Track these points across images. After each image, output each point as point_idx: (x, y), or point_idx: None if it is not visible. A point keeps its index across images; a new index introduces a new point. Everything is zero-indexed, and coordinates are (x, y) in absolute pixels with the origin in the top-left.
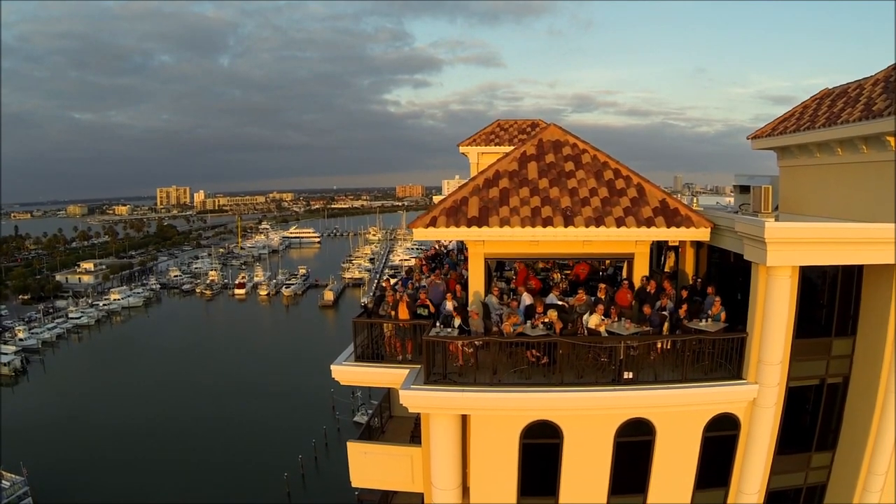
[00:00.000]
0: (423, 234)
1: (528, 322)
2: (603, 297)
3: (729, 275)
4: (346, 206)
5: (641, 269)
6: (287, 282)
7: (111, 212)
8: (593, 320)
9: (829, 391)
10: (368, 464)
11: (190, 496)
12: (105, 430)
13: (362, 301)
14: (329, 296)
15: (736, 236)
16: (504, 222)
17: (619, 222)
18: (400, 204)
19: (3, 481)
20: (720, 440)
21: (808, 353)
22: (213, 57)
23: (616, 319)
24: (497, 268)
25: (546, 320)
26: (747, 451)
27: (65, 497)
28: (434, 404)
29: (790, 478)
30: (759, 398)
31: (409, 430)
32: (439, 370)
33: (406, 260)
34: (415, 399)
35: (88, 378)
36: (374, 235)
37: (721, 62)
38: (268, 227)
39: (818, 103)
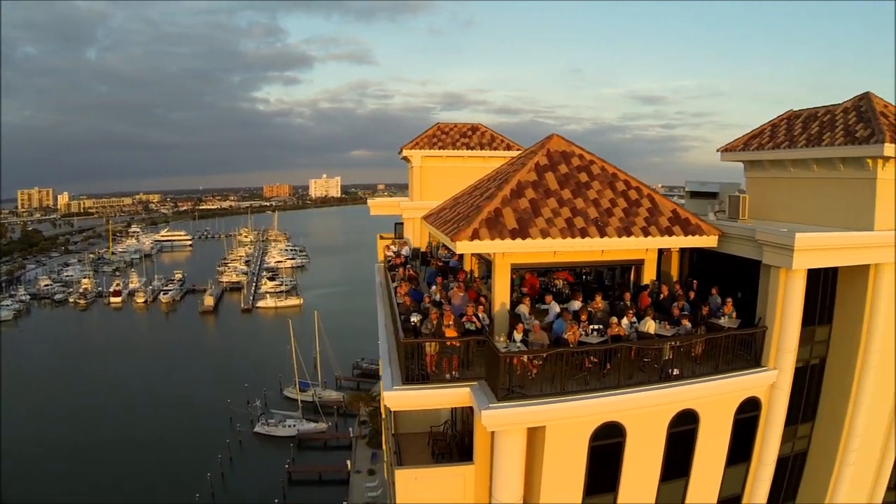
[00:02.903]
0: (467, 246)
1: (584, 330)
2: (629, 302)
3: (714, 275)
4: (215, 206)
5: (650, 274)
6: (164, 288)
7: None
8: (650, 325)
9: (812, 371)
10: (419, 489)
11: None
12: None
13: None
14: (209, 301)
15: (752, 243)
16: (545, 234)
17: (645, 232)
18: (269, 204)
19: None
20: (746, 421)
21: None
22: (81, 49)
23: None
24: (485, 276)
25: (597, 327)
26: (766, 427)
27: None
28: (515, 420)
29: (783, 448)
30: (777, 381)
31: (422, 447)
32: (505, 385)
33: (280, 262)
34: (496, 418)
35: None
36: (246, 237)
37: (595, 63)
38: (138, 230)
39: (787, 123)
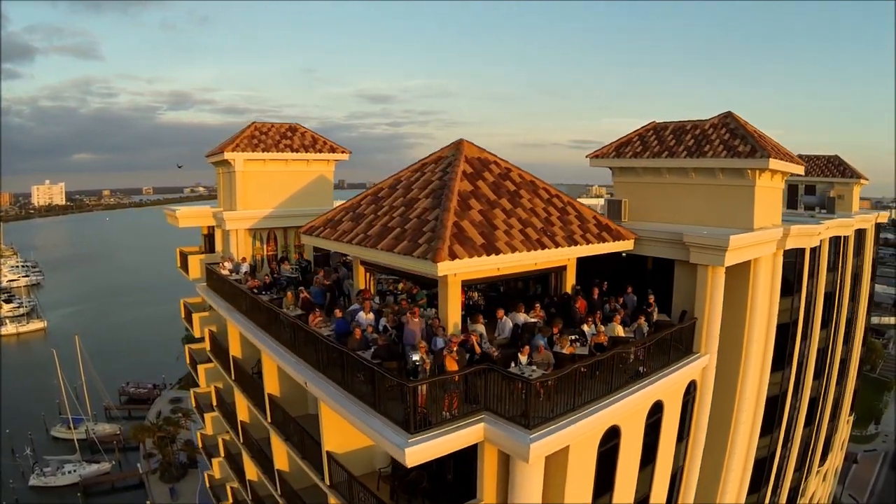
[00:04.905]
0: (448, 267)
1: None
2: (583, 311)
3: (608, 275)
4: None
5: (570, 279)
6: None
7: None
8: (620, 330)
9: None
10: None
11: None
12: None
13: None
14: None
15: (669, 244)
16: (512, 247)
17: (585, 239)
18: None
19: None
20: (687, 402)
21: None
22: None
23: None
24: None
25: (574, 337)
26: (701, 404)
27: None
28: (553, 446)
29: None
30: (708, 364)
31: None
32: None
33: (14, 280)
34: (541, 448)
35: None
36: None
37: (326, 62)
38: None
39: (656, 134)
